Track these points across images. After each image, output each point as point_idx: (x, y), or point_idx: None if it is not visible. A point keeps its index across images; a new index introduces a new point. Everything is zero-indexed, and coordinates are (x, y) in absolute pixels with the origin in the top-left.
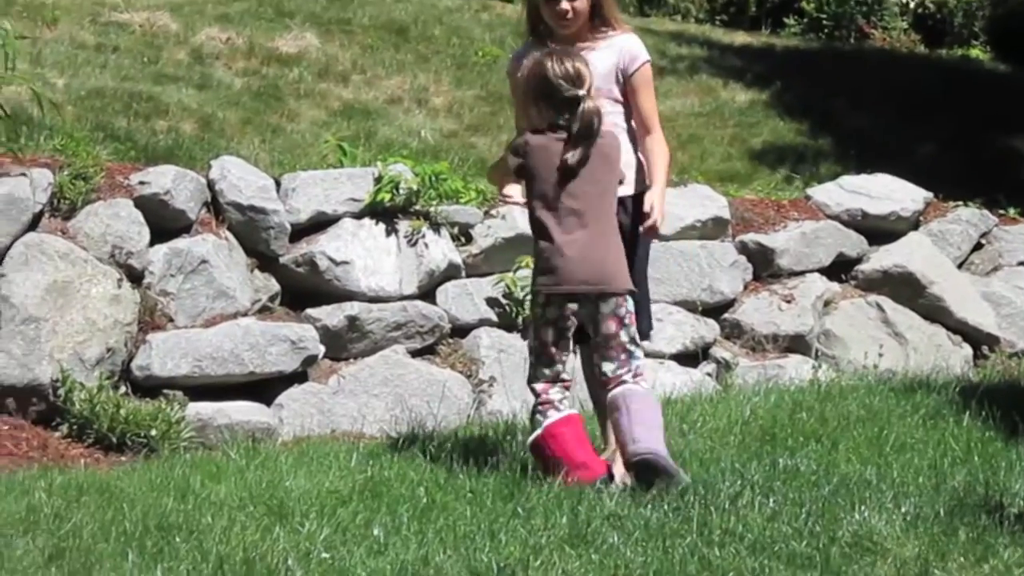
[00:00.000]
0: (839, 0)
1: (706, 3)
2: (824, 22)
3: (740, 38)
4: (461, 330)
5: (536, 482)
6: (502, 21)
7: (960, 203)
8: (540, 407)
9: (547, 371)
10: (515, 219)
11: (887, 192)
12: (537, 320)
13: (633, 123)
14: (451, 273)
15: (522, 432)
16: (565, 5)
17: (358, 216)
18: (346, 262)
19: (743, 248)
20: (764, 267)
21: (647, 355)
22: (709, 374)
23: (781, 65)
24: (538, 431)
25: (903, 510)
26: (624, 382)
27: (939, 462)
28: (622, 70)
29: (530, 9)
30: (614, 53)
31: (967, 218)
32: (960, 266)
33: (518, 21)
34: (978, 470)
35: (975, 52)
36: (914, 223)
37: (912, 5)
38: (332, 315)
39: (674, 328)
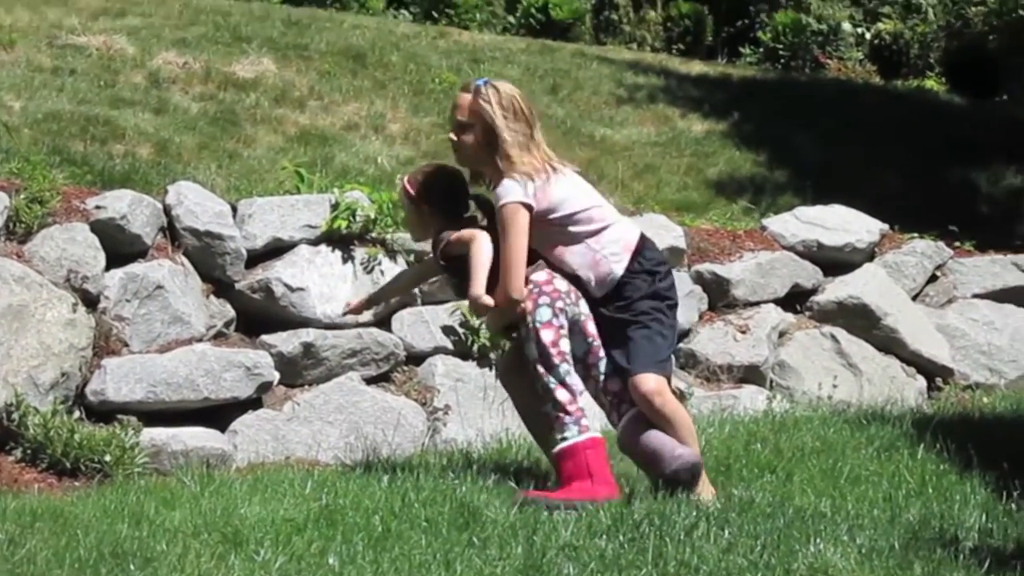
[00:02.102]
0: (795, 30)
1: (662, 32)
2: (780, 52)
3: (697, 67)
4: (416, 358)
5: (491, 510)
6: (459, 48)
7: (915, 235)
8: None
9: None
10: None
11: (843, 223)
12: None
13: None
14: (406, 300)
15: (476, 462)
16: (452, 135)
17: (314, 243)
18: (302, 288)
19: (699, 278)
20: (719, 297)
21: None
22: None
23: (738, 95)
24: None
25: (858, 542)
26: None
27: (894, 495)
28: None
29: None
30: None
31: (922, 250)
32: (915, 298)
33: (473, 48)
34: (933, 503)
35: (930, 83)
36: (869, 255)
37: (868, 36)
38: (287, 341)
39: None
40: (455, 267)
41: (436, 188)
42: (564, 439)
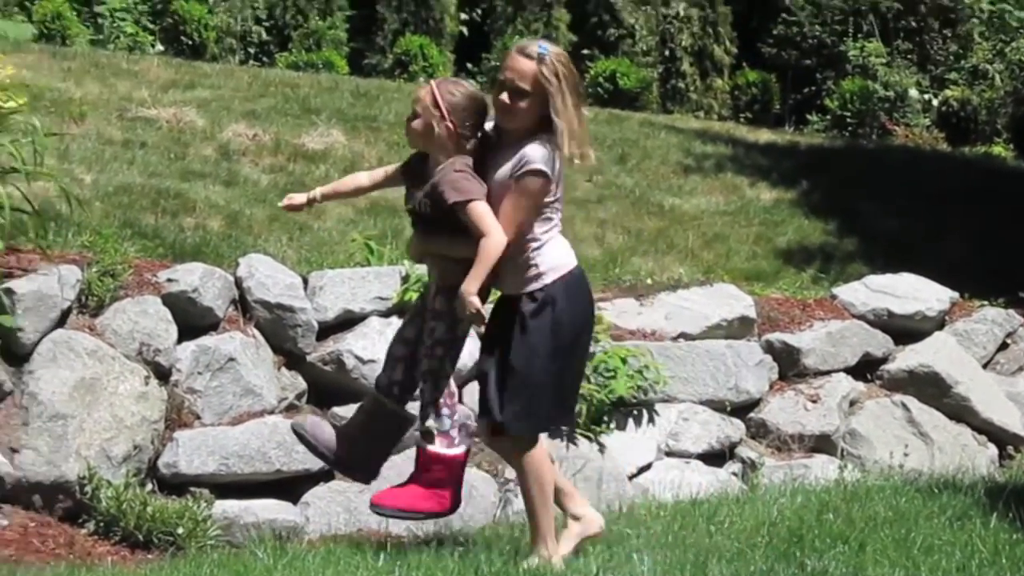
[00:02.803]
0: (862, 97)
1: (729, 100)
2: (848, 119)
3: (765, 136)
4: None
5: None
6: None
7: (985, 303)
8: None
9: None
10: None
11: (912, 292)
12: None
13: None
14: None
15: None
16: (503, 97)
17: (385, 315)
18: (373, 360)
19: (769, 347)
20: (790, 366)
21: (674, 454)
22: (735, 474)
23: (806, 163)
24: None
25: None
26: None
27: (967, 564)
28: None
29: None
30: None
31: (992, 318)
32: (985, 366)
33: None
34: (1007, 572)
35: (998, 149)
36: (939, 323)
37: (935, 103)
38: None
39: (700, 427)
40: (441, 217)
41: (469, 110)
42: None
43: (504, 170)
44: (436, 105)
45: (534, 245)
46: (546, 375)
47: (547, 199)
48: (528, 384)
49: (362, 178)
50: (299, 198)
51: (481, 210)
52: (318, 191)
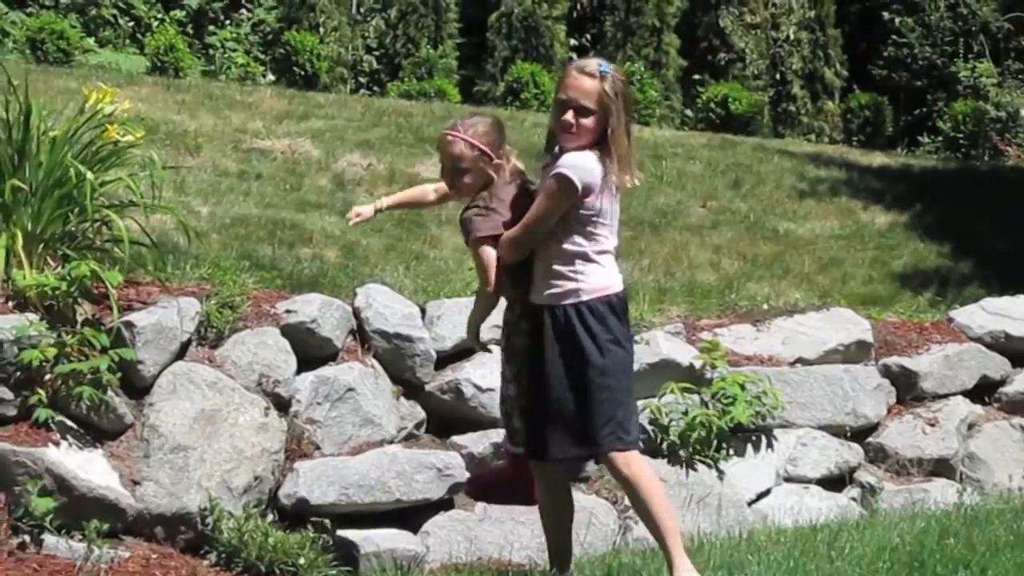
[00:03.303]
0: (974, 118)
1: (841, 123)
2: (960, 140)
3: (878, 159)
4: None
5: None
6: (639, 144)
7: None
8: None
9: None
10: (659, 344)
11: None
12: None
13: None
14: None
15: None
16: (569, 117)
17: None
18: (491, 389)
19: (886, 371)
20: (907, 390)
21: (793, 480)
22: (854, 499)
23: (919, 185)
24: None
25: None
26: None
27: None
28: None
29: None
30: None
31: None
32: None
33: (654, 144)
34: None
35: None
36: None
37: None
38: (478, 442)
39: (818, 452)
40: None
41: (500, 136)
42: None
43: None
44: (482, 152)
45: (575, 259)
46: None
47: (584, 212)
48: None
49: (428, 190)
50: (367, 210)
51: (482, 256)
52: (384, 201)
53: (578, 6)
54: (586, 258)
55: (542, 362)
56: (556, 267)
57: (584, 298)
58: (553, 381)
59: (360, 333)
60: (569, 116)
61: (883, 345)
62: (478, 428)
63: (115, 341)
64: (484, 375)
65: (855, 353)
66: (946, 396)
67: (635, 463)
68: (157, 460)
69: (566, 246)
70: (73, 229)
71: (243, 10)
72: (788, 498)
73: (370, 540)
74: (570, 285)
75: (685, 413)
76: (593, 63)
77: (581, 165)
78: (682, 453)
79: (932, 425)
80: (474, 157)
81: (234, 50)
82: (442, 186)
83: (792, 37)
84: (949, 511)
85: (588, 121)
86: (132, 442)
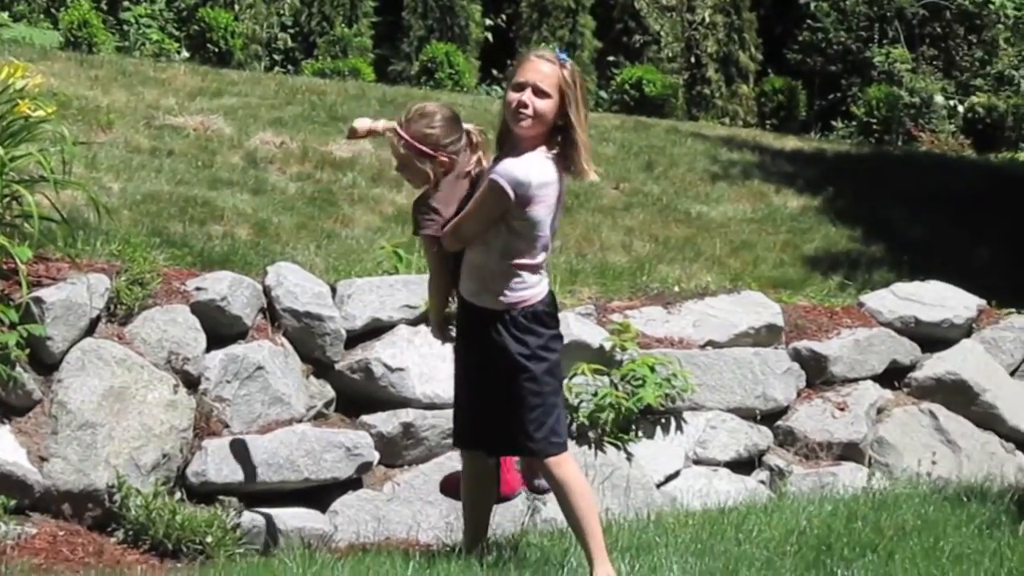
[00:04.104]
0: (888, 104)
1: (755, 107)
2: (873, 126)
3: (791, 143)
4: None
5: None
6: None
7: (1013, 310)
8: None
9: None
10: (569, 326)
11: (940, 299)
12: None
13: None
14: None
15: (575, 543)
16: (525, 97)
17: (414, 323)
18: (401, 369)
19: (796, 355)
20: (817, 374)
21: (702, 462)
22: (763, 482)
23: (832, 170)
24: None
25: None
26: None
27: (996, 573)
28: None
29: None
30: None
31: (1020, 325)
32: (1013, 373)
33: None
34: None
35: None
36: (967, 330)
37: (961, 109)
38: (387, 422)
39: (728, 435)
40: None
41: (453, 129)
42: None
43: None
44: (421, 153)
45: (502, 265)
46: None
47: (517, 221)
48: None
49: None
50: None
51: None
52: (381, 123)
53: None
54: (512, 267)
55: (476, 361)
56: (481, 268)
57: (509, 306)
58: (484, 381)
59: (270, 311)
60: (526, 95)
61: (793, 329)
62: (387, 407)
63: (24, 317)
64: (394, 354)
65: (765, 336)
66: (856, 380)
67: (565, 464)
68: (65, 437)
69: (492, 251)
70: None
71: None
72: (697, 480)
73: (278, 519)
74: (495, 290)
75: (595, 394)
76: (551, 52)
77: (517, 174)
78: (591, 434)
79: (841, 409)
80: (414, 156)
81: (148, 26)
82: None
83: (707, 20)
84: (857, 495)
85: (544, 105)
86: (40, 418)
